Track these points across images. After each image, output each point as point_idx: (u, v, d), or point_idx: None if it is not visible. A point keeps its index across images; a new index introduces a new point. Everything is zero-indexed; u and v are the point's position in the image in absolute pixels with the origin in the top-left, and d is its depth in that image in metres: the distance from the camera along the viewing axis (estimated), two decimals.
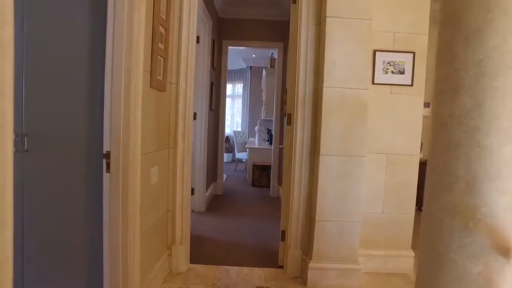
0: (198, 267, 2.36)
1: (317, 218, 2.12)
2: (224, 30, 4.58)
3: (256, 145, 5.95)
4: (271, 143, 5.76)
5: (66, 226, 1.62)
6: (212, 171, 4.54)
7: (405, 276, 2.32)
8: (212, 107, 4.26)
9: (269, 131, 6.30)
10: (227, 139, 8.28)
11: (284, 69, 4.62)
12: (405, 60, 2.25)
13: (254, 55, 7.26)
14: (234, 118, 9.06)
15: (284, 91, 4.59)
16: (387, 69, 2.26)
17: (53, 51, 1.56)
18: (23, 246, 1.61)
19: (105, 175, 1.54)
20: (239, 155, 7.41)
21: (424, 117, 2.37)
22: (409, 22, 2.25)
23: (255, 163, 5.57)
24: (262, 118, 7.10)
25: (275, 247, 2.72)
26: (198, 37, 3.24)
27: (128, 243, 1.59)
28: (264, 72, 6.60)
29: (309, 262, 2.14)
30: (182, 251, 2.28)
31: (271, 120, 6.10)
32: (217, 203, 4.28)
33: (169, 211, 2.26)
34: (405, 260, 2.37)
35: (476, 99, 0.75)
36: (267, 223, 3.49)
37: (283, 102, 4.60)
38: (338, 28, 2.04)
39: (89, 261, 1.64)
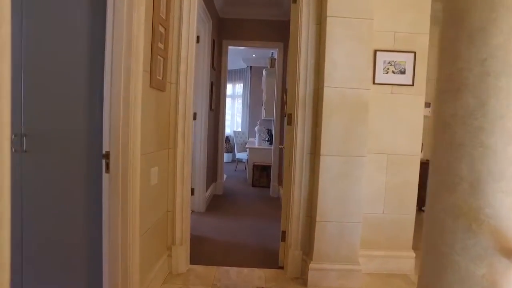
0: (198, 268, 2.35)
1: (317, 218, 2.11)
2: (224, 30, 4.57)
3: (256, 145, 5.94)
4: (271, 143, 5.75)
5: (65, 226, 1.61)
6: (212, 171, 4.53)
7: (406, 277, 2.31)
8: (212, 107, 4.25)
9: (269, 131, 6.29)
10: (227, 139, 8.27)
11: (284, 69, 4.61)
12: (406, 60, 2.24)
13: (254, 55, 7.25)
14: (234, 118, 9.05)
15: (284, 91, 4.58)
16: (388, 69, 2.25)
17: (52, 50, 1.55)
18: (22, 247, 1.60)
19: (105, 176, 1.53)
20: (239, 155, 7.40)
21: (425, 117, 2.37)
22: (410, 21, 2.24)
23: (255, 163, 5.56)
24: (262, 118, 7.08)
25: (275, 247, 2.71)
26: (198, 37, 3.23)
27: (128, 243, 1.58)
28: (264, 72, 6.59)
29: (310, 263, 2.13)
30: (182, 252, 2.27)
31: (271, 120, 6.10)
32: (217, 204, 4.27)
33: (169, 211, 2.25)
34: (406, 261, 2.36)
35: (480, 98, 0.74)
36: (267, 224, 3.48)
37: (283, 102, 4.59)
38: (338, 28, 2.03)
39: (89, 261, 1.63)
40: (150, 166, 1.86)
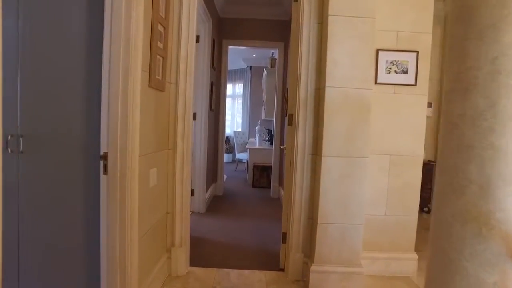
0: (198, 270, 2.32)
1: (319, 220, 2.08)
2: (224, 29, 4.55)
3: (257, 146, 5.91)
4: (271, 144, 5.72)
5: (62, 228, 1.58)
6: (212, 171, 4.50)
7: (408, 280, 2.28)
8: (212, 107, 4.22)
9: (269, 132, 6.26)
10: (227, 139, 8.24)
11: (284, 69, 4.58)
12: (409, 59, 2.22)
13: (254, 55, 7.22)
14: (234, 119, 9.03)
15: (285, 91, 4.55)
16: (390, 68, 2.22)
17: (49, 50, 1.52)
18: (18, 248, 1.57)
19: (102, 177, 1.51)
20: (239, 155, 7.37)
21: (427, 117, 2.34)
22: (413, 21, 2.21)
23: (256, 164, 5.53)
24: (263, 118, 7.06)
25: (276, 249, 2.68)
26: (198, 37, 3.20)
27: (126, 246, 1.55)
28: (264, 72, 6.57)
29: (311, 265, 2.10)
30: (182, 254, 2.24)
31: (271, 121, 6.07)
32: (217, 204, 4.25)
33: (169, 213, 2.22)
34: (408, 263, 2.33)
35: (490, 98, 0.71)
36: (268, 225, 3.45)
37: (283, 102, 4.56)
38: (340, 27, 2.00)
39: (86, 264, 1.60)
40: (149, 167, 1.83)
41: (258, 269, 2.37)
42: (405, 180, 2.30)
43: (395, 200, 2.30)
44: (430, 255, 0.89)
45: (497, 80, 0.70)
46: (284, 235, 2.36)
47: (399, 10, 2.21)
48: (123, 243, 1.54)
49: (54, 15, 1.51)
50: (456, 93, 0.79)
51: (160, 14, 1.87)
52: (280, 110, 4.73)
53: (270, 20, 4.51)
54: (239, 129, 8.70)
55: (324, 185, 2.07)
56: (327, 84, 2.02)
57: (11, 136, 1.52)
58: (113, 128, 1.48)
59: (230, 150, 8.41)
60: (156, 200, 2.01)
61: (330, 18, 2.00)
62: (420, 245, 2.44)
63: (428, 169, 3.68)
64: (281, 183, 4.57)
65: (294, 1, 2.27)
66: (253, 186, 5.47)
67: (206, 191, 3.96)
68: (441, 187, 0.85)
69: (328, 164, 2.06)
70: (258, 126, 6.26)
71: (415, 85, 2.24)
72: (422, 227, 2.59)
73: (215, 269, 2.35)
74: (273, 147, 4.90)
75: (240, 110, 8.88)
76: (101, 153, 1.50)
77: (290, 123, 2.28)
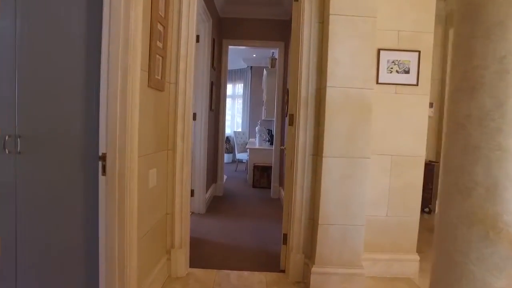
0: (198, 272, 2.30)
1: (320, 221, 2.07)
2: (224, 29, 4.53)
3: (257, 146, 5.89)
4: (272, 144, 5.70)
5: (60, 230, 1.56)
6: (212, 172, 4.49)
7: (410, 281, 2.26)
8: (212, 107, 4.21)
9: (269, 132, 6.24)
10: (227, 139, 8.22)
11: (285, 68, 4.56)
12: (410, 59, 2.20)
13: (254, 55, 7.20)
14: (234, 119, 9.01)
15: (285, 91, 4.53)
16: (392, 68, 2.20)
17: (47, 50, 1.50)
18: (16, 250, 1.55)
19: (101, 178, 1.49)
20: (239, 155, 7.35)
21: (428, 117, 2.32)
22: (414, 20, 2.19)
23: (256, 164, 5.52)
24: (263, 118, 7.04)
25: (276, 250, 2.66)
26: (198, 36, 3.18)
27: (125, 247, 1.53)
28: (264, 72, 6.55)
29: (312, 267, 2.09)
30: (182, 255, 2.23)
31: (271, 121, 6.05)
32: (218, 205, 4.23)
33: (168, 214, 2.20)
34: (410, 264, 2.31)
35: (497, 98, 0.70)
36: (268, 225, 3.43)
37: (284, 102, 4.55)
38: (341, 26, 1.98)
39: (85, 266, 1.58)
40: (148, 168, 1.82)
41: (258, 271, 2.36)
42: (407, 180, 2.28)
43: (396, 201, 2.29)
44: (435, 258, 0.87)
45: (505, 80, 0.68)
46: (285, 236, 2.35)
47: (400, 9, 2.19)
48: (122, 245, 1.53)
49: (52, 14, 1.50)
50: (462, 93, 0.77)
51: (160, 13, 1.85)
52: (280, 110, 4.71)
53: (270, 20, 4.49)
54: (239, 129, 8.68)
55: (325, 186, 2.05)
56: (328, 84, 2.00)
57: (9, 136, 1.50)
58: (112, 129, 1.46)
59: (230, 150, 8.39)
60: (156, 201, 1.99)
61: (331, 18, 1.98)
62: (422, 246, 2.42)
63: (429, 169, 3.66)
64: (281, 183, 4.56)
65: (294, 1, 2.26)
66: (253, 186, 5.46)
67: (206, 192, 3.94)
68: (446, 188, 0.84)
69: (329, 164, 2.04)
70: (258, 126, 6.24)
71: (417, 85, 2.22)
72: (424, 227, 2.58)
73: (215, 270, 2.34)
74: (273, 147, 4.88)
75: (240, 110, 8.86)
76: (100, 154, 1.48)
77: (291, 123, 2.27)
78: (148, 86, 1.75)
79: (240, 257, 2.60)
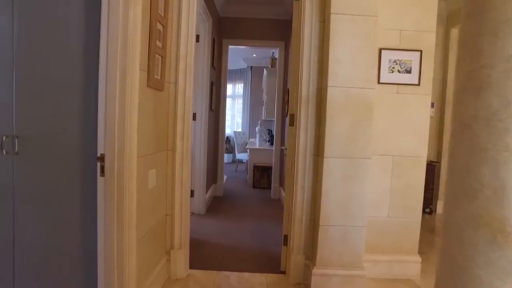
0: (198, 273, 2.28)
1: (321, 222, 2.05)
2: (224, 29, 4.51)
3: (257, 146, 5.88)
4: (272, 144, 5.68)
5: (58, 231, 1.55)
6: (212, 172, 4.47)
7: (411, 282, 2.24)
8: (212, 107, 4.19)
9: (270, 132, 6.22)
10: (227, 139, 8.20)
11: (285, 68, 4.54)
12: (412, 58, 2.18)
13: (254, 55, 7.19)
14: (234, 119, 8.99)
15: (285, 91, 4.52)
16: (393, 68, 2.18)
17: (45, 49, 1.49)
18: (13, 251, 1.54)
19: (99, 179, 1.47)
20: (239, 155, 7.33)
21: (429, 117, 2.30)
22: (416, 19, 2.17)
23: (256, 164, 5.50)
24: (263, 118, 7.02)
25: (276, 251, 2.64)
26: (198, 36, 3.17)
27: (124, 249, 1.51)
28: (265, 71, 6.53)
29: (313, 268, 2.07)
30: (181, 256, 2.21)
31: (272, 121, 6.03)
32: (218, 205, 4.21)
33: (168, 215, 2.18)
34: (411, 266, 2.29)
35: (505, 97, 0.68)
36: (268, 226, 3.41)
37: (284, 102, 4.53)
38: (343, 25, 1.96)
39: (83, 267, 1.56)
40: (147, 169, 1.80)
41: (258, 272, 2.34)
42: (408, 181, 2.26)
43: (398, 202, 2.27)
44: (440, 261, 0.85)
45: None
46: (285, 237, 2.33)
47: (402, 8, 2.17)
48: (120, 246, 1.51)
49: (50, 13, 1.48)
50: (468, 93, 0.75)
51: (159, 12, 1.83)
52: (280, 110, 4.69)
53: (270, 20, 4.47)
54: (239, 129, 8.66)
55: (326, 186, 2.03)
56: (329, 83, 1.98)
57: (6, 137, 1.48)
58: (110, 129, 1.44)
59: (230, 151, 8.38)
60: (155, 202, 1.97)
61: (332, 17, 1.96)
62: (423, 247, 2.41)
63: (430, 169, 3.65)
64: (281, 183, 4.54)
65: (295, 0, 2.24)
66: (254, 186, 5.44)
67: (206, 192, 3.92)
68: (451, 190, 0.82)
69: (330, 165, 2.02)
70: (259, 126, 6.22)
71: (419, 84, 2.20)
72: (425, 228, 2.56)
73: (215, 271, 2.32)
74: (273, 148, 4.86)
75: (240, 110, 8.84)
76: (98, 155, 1.46)
77: (292, 123, 2.25)
78: (147, 86, 1.73)
79: (241, 258, 2.58)
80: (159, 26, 1.85)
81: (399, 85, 2.21)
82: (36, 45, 1.48)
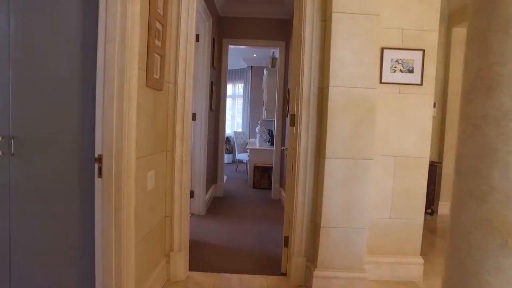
0: (198, 275, 2.25)
1: (322, 224, 2.02)
2: (224, 28, 4.49)
3: (257, 146, 5.85)
4: (272, 144, 5.65)
5: (55, 232, 1.52)
6: (212, 172, 4.44)
7: (414, 285, 2.21)
8: (212, 108, 4.16)
9: (270, 132, 6.20)
10: (228, 139, 8.18)
11: (286, 68, 4.52)
12: (414, 58, 2.15)
13: (255, 55, 7.16)
14: (234, 119, 8.97)
15: (285, 91, 4.49)
16: (395, 67, 2.16)
17: (42, 48, 1.46)
18: (10, 253, 1.51)
19: (97, 181, 1.44)
20: (239, 156, 7.31)
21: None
22: (418, 18, 2.15)
23: (256, 164, 5.47)
24: (263, 118, 6.99)
25: (277, 252, 2.61)
26: (197, 36, 3.14)
27: (122, 251, 1.48)
28: (265, 71, 6.50)
29: (314, 270, 2.04)
30: (181, 258, 2.18)
31: (272, 121, 6.00)
32: (218, 206, 4.18)
33: (167, 216, 2.16)
34: (413, 268, 2.26)
35: None
36: (269, 227, 3.39)
37: (284, 102, 4.50)
38: (344, 24, 1.94)
39: (81, 269, 1.54)
40: (146, 170, 1.77)
41: (259, 274, 2.31)
42: (411, 182, 2.23)
43: (400, 203, 2.24)
44: (447, 266, 0.82)
45: None
46: (286, 239, 2.30)
47: (404, 7, 2.14)
48: (118, 248, 1.48)
49: (47, 12, 1.45)
50: (477, 92, 0.72)
51: (158, 11, 1.81)
52: (281, 110, 4.66)
53: (270, 19, 4.45)
54: (240, 130, 8.64)
55: (327, 188, 2.01)
56: (330, 83, 1.96)
57: (2, 137, 1.46)
58: (108, 130, 1.41)
59: (230, 151, 8.35)
60: (154, 203, 1.94)
61: (333, 15, 1.94)
62: (424, 248, 2.38)
63: (432, 170, 3.62)
64: (282, 184, 4.51)
65: None
66: (254, 187, 5.41)
67: (206, 193, 3.89)
68: (459, 192, 0.79)
69: (332, 166, 2.00)
70: (259, 126, 6.19)
71: (421, 84, 2.17)
72: (426, 229, 2.53)
73: (215, 273, 2.29)
74: (274, 148, 4.84)
75: (241, 110, 8.82)
76: (96, 156, 1.43)
77: (293, 123, 2.22)
78: (146, 85, 1.71)
79: (241, 259, 2.55)
80: (158, 25, 1.83)
81: (401, 85, 2.18)
82: (32, 44, 1.45)
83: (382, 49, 2.13)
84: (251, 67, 8.32)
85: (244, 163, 7.21)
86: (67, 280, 1.54)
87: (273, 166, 4.77)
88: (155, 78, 1.81)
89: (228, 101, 7.47)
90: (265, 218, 3.72)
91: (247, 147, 6.19)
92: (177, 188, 2.14)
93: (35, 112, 1.47)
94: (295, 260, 2.17)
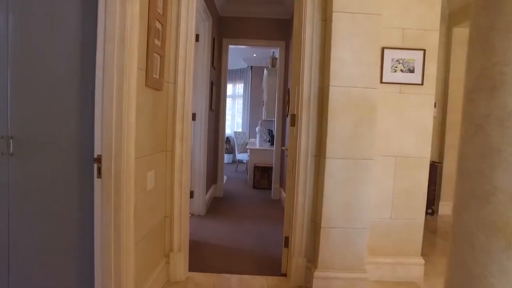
0: (197, 276, 2.24)
1: (322, 224, 2.01)
2: (224, 28, 4.48)
3: (257, 146, 5.84)
4: (272, 144, 5.64)
5: (54, 234, 1.51)
6: (212, 173, 4.43)
7: (414, 285, 2.20)
8: (212, 107, 4.15)
9: (270, 132, 6.19)
10: (228, 139, 8.17)
11: (286, 68, 4.51)
12: (415, 57, 2.14)
13: (255, 55, 7.15)
14: (234, 119, 8.96)
15: (286, 91, 4.48)
16: (396, 67, 2.15)
17: (41, 47, 1.45)
18: (8, 254, 1.50)
19: (96, 181, 1.43)
20: (239, 156, 7.30)
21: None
22: (419, 17, 2.14)
23: (256, 165, 5.46)
24: (263, 118, 6.99)
25: (277, 253, 2.60)
26: (197, 36, 3.13)
27: (121, 252, 1.47)
28: (265, 71, 6.50)
29: (314, 271, 2.03)
30: (181, 259, 2.17)
31: (272, 121, 6.00)
32: (218, 206, 4.17)
33: (167, 216, 2.15)
34: (414, 268, 2.25)
35: None
36: (269, 227, 3.38)
37: (284, 102, 4.49)
38: (345, 24, 1.93)
39: (80, 270, 1.53)
40: (146, 170, 1.76)
41: (259, 274, 2.30)
42: (411, 182, 2.22)
43: (400, 203, 2.23)
44: (449, 268, 0.81)
45: None
46: (286, 239, 2.29)
47: (405, 6, 2.13)
48: (118, 249, 1.47)
49: (46, 11, 1.44)
50: (480, 92, 0.71)
51: (158, 10, 1.80)
52: (281, 110, 4.65)
53: (271, 19, 4.44)
54: (240, 130, 8.63)
55: (328, 188, 2.00)
56: (331, 83, 1.95)
57: (1, 137, 1.45)
58: (108, 130, 1.40)
59: (230, 151, 8.34)
60: (154, 204, 1.93)
61: (334, 15, 1.93)
62: (424, 249, 2.36)
63: (432, 170, 3.61)
64: (282, 184, 4.50)
65: None
66: (254, 187, 5.40)
67: (206, 193, 3.89)
68: (461, 193, 0.78)
69: (332, 166, 1.99)
70: (259, 126, 6.18)
71: (422, 84, 2.16)
72: (426, 229, 2.52)
73: (215, 274, 2.28)
74: (274, 148, 4.83)
75: (241, 110, 8.81)
76: (95, 156, 1.42)
77: (293, 123, 2.21)
78: (145, 85, 1.70)
79: (241, 260, 2.54)
80: (158, 25, 1.82)
81: (402, 85, 2.17)
82: (31, 44, 1.45)
83: (382, 49, 2.12)
84: (251, 67, 8.31)
85: (244, 163, 7.21)
86: (66, 280, 1.53)
87: (273, 166, 4.77)
88: (154, 78, 1.80)
89: (228, 101, 7.46)
90: (265, 218, 3.71)
91: (247, 147, 6.19)
92: (177, 188, 2.13)
93: (34, 112, 1.46)
94: (296, 261, 2.16)
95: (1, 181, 1.47)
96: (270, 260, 2.54)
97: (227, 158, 7.85)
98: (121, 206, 1.44)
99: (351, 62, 1.94)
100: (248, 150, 5.74)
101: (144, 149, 1.71)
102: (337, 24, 1.93)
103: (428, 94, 2.18)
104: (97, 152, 1.42)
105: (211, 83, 3.93)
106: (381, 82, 2.15)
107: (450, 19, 3.96)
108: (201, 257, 2.54)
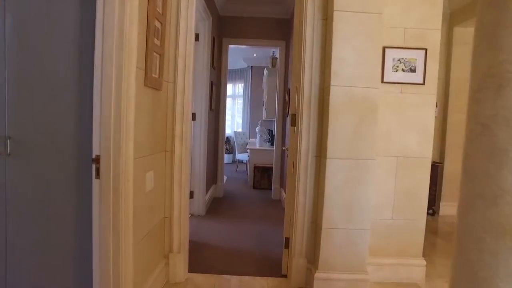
0: (197, 277, 2.23)
1: (323, 225, 1.99)
2: (224, 28, 4.46)
3: (257, 146, 5.82)
4: (272, 144, 5.63)
5: (52, 234, 1.50)
6: (212, 173, 4.42)
7: (416, 286, 2.19)
8: (212, 107, 4.14)
9: (270, 132, 6.17)
10: (227, 140, 8.16)
11: (286, 68, 4.49)
12: (417, 57, 2.12)
13: (255, 54, 7.14)
14: (234, 119, 8.94)
15: (286, 91, 4.47)
16: (397, 67, 2.13)
17: (38, 46, 1.43)
18: (6, 255, 1.49)
19: (95, 182, 1.41)
20: (239, 156, 7.28)
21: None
22: (421, 16, 2.12)
23: (256, 165, 5.44)
24: (263, 118, 6.97)
25: (278, 253, 2.59)
26: (197, 35, 3.12)
27: (120, 253, 1.46)
28: (265, 71, 6.48)
29: (315, 272, 2.01)
30: (180, 260, 2.15)
31: (272, 121, 5.98)
32: (218, 206, 4.16)
33: (166, 217, 2.13)
34: (416, 269, 2.23)
35: None
36: (269, 228, 3.36)
37: (285, 102, 4.48)
38: (346, 23, 1.91)
39: (78, 271, 1.51)
40: (145, 171, 1.74)
41: (259, 275, 2.28)
42: (413, 183, 2.20)
43: (402, 204, 2.21)
44: (455, 270, 0.80)
45: None
46: (287, 240, 2.27)
47: (406, 5, 2.11)
48: (116, 250, 1.45)
49: (44, 10, 1.42)
50: (486, 91, 0.70)
51: (157, 9, 1.78)
52: (281, 110, 4.64)
53: (271, 19, 4.42)
54: (240, 130, 8.61)
55: (329, 188, 1.98)
56: (332, 83, 1.93)
57: None
58: (106, 130, 1.39)
59: (230, 151, 8.33)
60: (153, 204, 1.92)
61: (335, 14, 1.91)
62: (425, 249, 2.34)
63: (433, 170, 3.59)
64: (282, 184, 4.49)
65: None
66: (254, 187, 5.38)
67: (206, 193, 3.87)
68: (467, 195, 0.76)
69: (333, 166, 1.97)
70: (259, 126, 6.17)
71: (423, 84, 2.14)
72: (427, 229, 2.50)
73: (215, 275, 2.26)
74: (274, 148, 4.81)
75: (241, 110, 8.79)
76: (93, 156, 1.41)
77: (293, 123, 2.19)
78: (144, 85, 1.68)
79: (241, 261, 2.53)
80: (157, 24, 1.80)
81: (403, 84, 2.15)
82: (28, 43, 1.43)
83: (384, 48, 2.11)
84: (251, 67, 8.30)
85: (244, 163, 7.19)
86: (64, 282, 1.52)
87: (273, 166, 4.75)
88: (154, 77, 1.78)
89: (228, 101, 7.45)
90: (265, 219, 3.69)
91: (247, 147, 6.17)
92: (176, 188, 2.11)
93: (31, 112, 1.44)
94: (296, 262, 2.15)
95: None
96: (270, 261, 2.53)
97: (227, 158, 7.84)
98: (119, 207, 1.43)
99: (352, 61, 1.93)
100: (248, 150, 5.72)
101: (143, 149, 1.69)
102: (338, 23, 1.92)
103: (430, 94, 2.16)
104: (95, 152, 1.41)
105: (211, 83, 3.92)
106: (382, 81, 2.13)
107: (451, 19, 3.95)
108: (201, 258, 2.53)
